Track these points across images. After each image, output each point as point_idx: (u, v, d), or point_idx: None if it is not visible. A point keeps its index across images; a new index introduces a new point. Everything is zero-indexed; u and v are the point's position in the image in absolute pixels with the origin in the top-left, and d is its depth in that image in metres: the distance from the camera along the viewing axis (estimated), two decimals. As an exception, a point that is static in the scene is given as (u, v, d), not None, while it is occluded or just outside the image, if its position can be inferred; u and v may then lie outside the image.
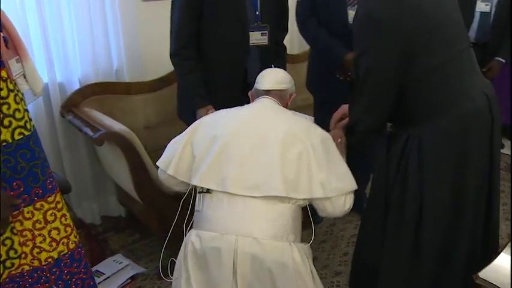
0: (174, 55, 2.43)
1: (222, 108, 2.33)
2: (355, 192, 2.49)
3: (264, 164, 1.81)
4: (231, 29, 2.41)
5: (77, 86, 2.89)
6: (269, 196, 1.79)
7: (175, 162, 1.97)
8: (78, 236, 1.97)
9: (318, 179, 1.83)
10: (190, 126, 2.05)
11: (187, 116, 2.59)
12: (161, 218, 2.74)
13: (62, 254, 1.89)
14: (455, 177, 1.90)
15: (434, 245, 1.97)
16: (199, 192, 1.92)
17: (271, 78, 2.08)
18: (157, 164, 2.06)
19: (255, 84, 2.11)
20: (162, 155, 2.06)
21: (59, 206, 1.85)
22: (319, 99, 3.05)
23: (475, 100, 1.87)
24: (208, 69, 2.45)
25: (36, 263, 1.83)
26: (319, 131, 1.96)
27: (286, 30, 2.78)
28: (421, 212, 1.94)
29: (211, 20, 2.38)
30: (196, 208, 1.94)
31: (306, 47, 3.97)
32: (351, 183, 1.97)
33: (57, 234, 1.86)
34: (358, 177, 3.24)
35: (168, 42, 2.55)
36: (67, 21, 2.78)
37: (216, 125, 1.95)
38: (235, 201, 1.81)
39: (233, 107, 2.20)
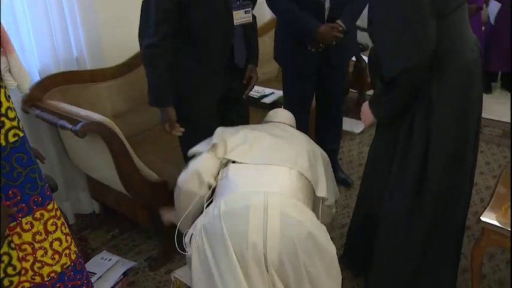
0: (152, 46, 2.02)
1: (208, 95, 2.22)
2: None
3: (294, 149, 1.96)
4: (217, 11, 2.12)
5: (36, 78, 2.50)
6: (292, 172, 1.86)
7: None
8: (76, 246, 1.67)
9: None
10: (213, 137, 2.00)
11: None
12: (148, 208, 2.46)
13: (65, 266, 1.58)
14: (461, 125, 1.87)
15: (438, 191, 1.91)
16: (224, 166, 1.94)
17: (282, 115, 2.33)
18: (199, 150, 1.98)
19: (266, 118, 2.32)
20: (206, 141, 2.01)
21: (58, 213, 1.54)
22: (289, 72, 2.89)
23: (473, 51, 1.86)
24: (198, 54, 2.16)
25: (37, 279, 1.52)
26: None
27: (255, 2, 2.54)
28: (426, 160, 1.87)
29: (197, 3, 2.06)
30: (220, 177, 1.91)
31: (265, 18, 3.75)
32: (335, 195, 2.15)
33: (59, 245, 1.55)
34: (329, 144, 3.15)
35: (129, 26, 2.26)
36: (20, 9, 2.37)
37: (240, 130, 2.05)
38: (263, 168, 1.87)
39: (218, 91, 2.26)
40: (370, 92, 4.23)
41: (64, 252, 1.57)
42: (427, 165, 1.87)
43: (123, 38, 2.80)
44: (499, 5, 4.38)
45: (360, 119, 3.98)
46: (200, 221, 1.81)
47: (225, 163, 1.94)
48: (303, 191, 1.88)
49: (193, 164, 1.94)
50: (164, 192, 2.47)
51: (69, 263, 1.60)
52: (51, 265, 1.54)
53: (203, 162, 1.93)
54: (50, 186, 1.85)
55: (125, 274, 2.49)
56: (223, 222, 1.70)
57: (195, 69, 2.14)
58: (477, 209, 2.93)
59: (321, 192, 1.95)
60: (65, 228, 1.57)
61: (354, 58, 3.79)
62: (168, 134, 2.19)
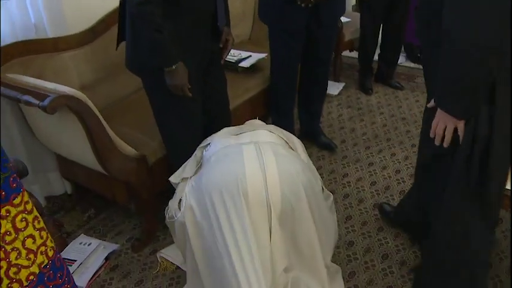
0: (143, 3, 1.69)
1: (192, 61, 1.93)
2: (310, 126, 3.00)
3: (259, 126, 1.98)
4: None
5: (-10, 49, 2.10)
6: (273, 134, 1.87)
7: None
8: (53, 240, 1.37)
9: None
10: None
11: (145, 68, 1.96)
12: (128, 185, 2.17)
13: (42, 266, 1.29)
14: None
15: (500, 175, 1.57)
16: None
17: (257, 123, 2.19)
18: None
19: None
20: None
21: (28, 207, 1.24)
22: (277, 30, 2.58)
23: None
24: (185, 18, 1.83)
25: (15, 286, 1.22)
26: None
27: None
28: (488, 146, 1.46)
29: None
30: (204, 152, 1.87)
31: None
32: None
33: (33, 242, 1.25)
34: (313, 106, 2.91)
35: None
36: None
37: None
38: (244, 134, 1.85)
39: (199, 56, 1.99)
40: (347, 53, 4.00)
41: (40, 250, 1.28)
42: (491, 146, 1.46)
43: (87, 1, 2.43)
44: None
45: (337, 80, 3.82)
46: (189, 182, 1.77)
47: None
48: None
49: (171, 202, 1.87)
50: (144, 167, 2.19)
51: (46, 261, 1.31)
52: (28, 267, 1.25)
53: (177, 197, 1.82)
54: (20, 171, 1.55)
55: (106, 258, 2.21)
56: (216, 170, 1.66)
57: (180, 34, 1.82)
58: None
59: (301, 156, 1.88)
60: (38, 223, 1.27)
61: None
62: (185, 95, 1.90)
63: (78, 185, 2.56)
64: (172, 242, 2.26)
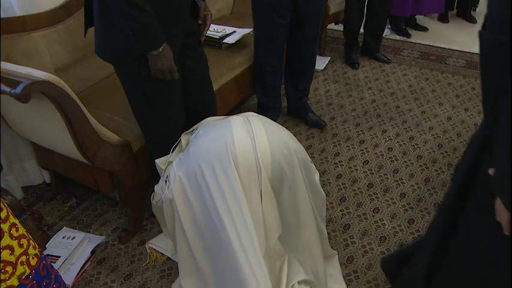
0: None
1: (172, 44, 1.73)
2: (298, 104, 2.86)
3: None
4: None
5: (-50, 31, 1.87)
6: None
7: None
8: (37, 245, 1.21)
9: None
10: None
11: (119, 55, 1.76)
12: (111, 173, 2.00)
13: (23, 277, 1.14)
14: None
15: None
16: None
17: None
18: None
19: None
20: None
21: (3, 214, 1.07)
22: (261, 4, 2.39)
23: None
24: None
25: (-12, 303, 1.07)
26: None
27: None
28: None
29: None
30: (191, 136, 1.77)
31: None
32: None
33: (11, 254, 1.09)
34: (301, 84, 2.76)
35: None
36: None
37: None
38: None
39: (180, 38, 1.80)
40: (332, 26, 3.82)
41: (19, 260, 1.12)
42: None
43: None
44: None
45: (322, 54, 3.66)
46: (176, 158, 1.67)
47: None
48: None
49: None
50: (128, 154, 2.01)
51: (28, 271, 1.15)
52: (4, 280, 1.09)
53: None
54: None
55: (92, 251, 2.05)
56: (204, 139, 1.58)
57: (161, 14, 1.62)
58: (455, 145, 2.68)
59: None
60: (17, 231, 1.11)
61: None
62: (174, 77, 1.72)
63: (57, 173, 2.37)
64: (160, 231, 2.12)
